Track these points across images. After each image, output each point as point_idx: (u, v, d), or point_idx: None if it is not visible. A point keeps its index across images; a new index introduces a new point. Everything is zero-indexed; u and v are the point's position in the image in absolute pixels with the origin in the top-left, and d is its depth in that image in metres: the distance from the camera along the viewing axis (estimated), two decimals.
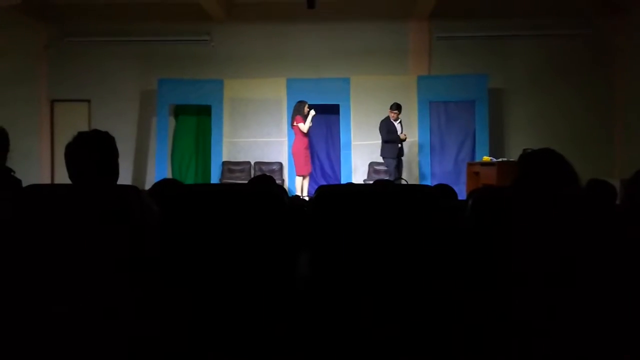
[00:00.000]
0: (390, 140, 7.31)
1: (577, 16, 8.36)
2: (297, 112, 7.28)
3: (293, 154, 7.45)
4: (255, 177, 2.85)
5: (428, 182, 8.08)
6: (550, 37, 8.42)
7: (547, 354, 1.45)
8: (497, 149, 8.25)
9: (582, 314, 1.46)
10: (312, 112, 7.33)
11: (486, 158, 7.01)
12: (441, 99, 8.40)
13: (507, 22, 8.44)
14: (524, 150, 1.90)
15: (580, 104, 8.45)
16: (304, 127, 7.19)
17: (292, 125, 7.36)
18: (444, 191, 3.00)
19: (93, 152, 1.58)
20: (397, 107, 7.38)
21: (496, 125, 8.49)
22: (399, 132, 7.32)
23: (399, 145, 7.36)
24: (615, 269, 1.51)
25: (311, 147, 7.98)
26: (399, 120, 7.40)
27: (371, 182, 7.98)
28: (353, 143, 8.38)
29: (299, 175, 7.39)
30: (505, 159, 6.80)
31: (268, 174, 3.04)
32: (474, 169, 7.23)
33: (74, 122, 8.53)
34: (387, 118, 7.40)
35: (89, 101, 8.89)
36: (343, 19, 8.62)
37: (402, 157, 7.53)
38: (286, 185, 8.17)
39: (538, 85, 8.54)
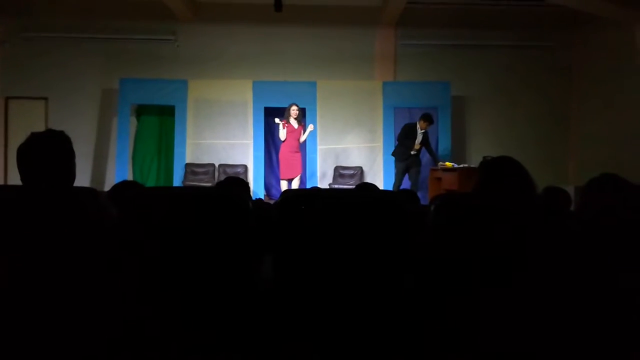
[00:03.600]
0: (403, 145, 7.37)
1: (538, 29, 8.66)
2: (284, 115, 7.18)
3: (279, 157, 7.40)
4: (227, 179, 2.78)
5: (392, 186, 8.17)
6: (512, 47, 8.70)
7: (506, 352, 1.49)
8: (459, 155, 8.43)
9: (538, 315, 1.50)
10: (310, 127, 7.29)
11: (448, 164, 7.15)
12: (405, 105, 8.53)
13: (471, 32, 8.66)
14: (484, 157, 1.95)
15: (539, 113, 8.76)
16: (281, 134, 7.11)
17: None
18: (408, 196, 3.04)
19: (47, 154, 1.52)
20: (427, 119, 7.34)
21: (458, 132, 8.69)
22: (417, 141, 7.34)
23: (412, 152, 7.36)
24: (568, 272, 1.56)
25: (277, 150, 7.94)
26: (423, 131, 7.38)
27: (337, 186, 8.06)
28: (319, 147, 8.39)
29: (283, 179, 7.32)
30: (466, 165, 6.95)
31: (239, 177, 2.98)
32: (436, 175, 7.36)
33: (29, 121, 8.22)
34: (414, 124, 7.41)
35: (46, 99, 8.57)
36: (310, 24, 8.64)
37: (419, 168, 7.46)
38: (251, 188, 8.11)
39: (499, 93, 8.80)
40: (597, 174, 1.93)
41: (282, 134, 7.07)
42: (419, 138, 7.38)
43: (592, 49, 8.37)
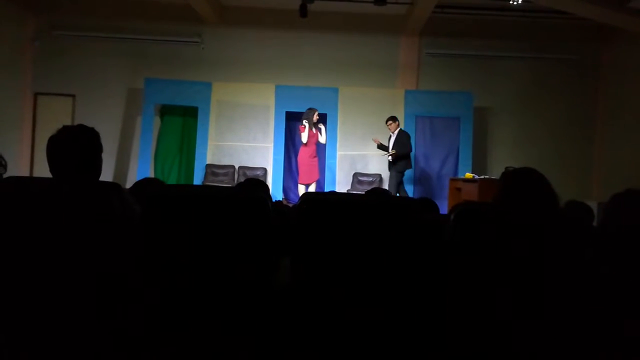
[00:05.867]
0: None
1: (564, 42, 8.56)
2: (305, 118, 7.22)
3: (298, 162, 7.46)
4: (248, 180, 2.81)
5: (411, 195, 8.14)
6: (537, 59, 8.60)
7: None
8: (480, 166, 8.35)
9: (556, 329, 1.48)
10: (323, 128, 7.33)
11: (468, 174, 7.09)
12: (427, 114, 8.49)
13: (495, 43, 8.60)
14: (506, 168, 1.93)
15: (563, 126, 8.63)
16: (304, 137, 7.15)
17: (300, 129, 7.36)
18: (427, 204, 3.03)
19: (77, 147, 1.56)
20: (388, 119, 7.44)
21: (480, 143, 8.61)
22: (390, 146, 7.36)
23: (389, 159, 7.40)
24: (589, 287, 1.54)
25: (296, 154, 7.95)
26: (395, 131, 7.39)
27: (355, 192, 8.05)
28: (338, 153, 8.40)
29: (301, 184, 7.37)
30: (487, 176, 6.89)
31: (260, 179, 3.01)
32: (456, 185, 7.30)
33: (57, 117, 8.41)
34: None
35: (73, 96, 8.77)
36: (335, 30, 8.68)
37: (393, 173, 7.38)
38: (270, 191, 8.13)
39: (522, 105, 8.70)
40: (621, 190, 1.90)
41: (304, 136, 7.10)
42: (391, 142, 7.37)
43: (619, 63, 8.23)
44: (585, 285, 1.53)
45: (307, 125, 7.09)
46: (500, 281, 1.55)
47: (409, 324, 1.62)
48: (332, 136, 8.39)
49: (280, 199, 8.07)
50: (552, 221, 1.61)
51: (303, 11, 7.64)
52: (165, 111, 8.79)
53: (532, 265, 1.53)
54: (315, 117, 7.19)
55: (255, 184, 2.70)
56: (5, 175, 1.95)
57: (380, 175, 8.37)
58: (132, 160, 8.73)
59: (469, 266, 1.56)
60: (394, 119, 7.44)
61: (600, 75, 8.66)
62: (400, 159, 7.27)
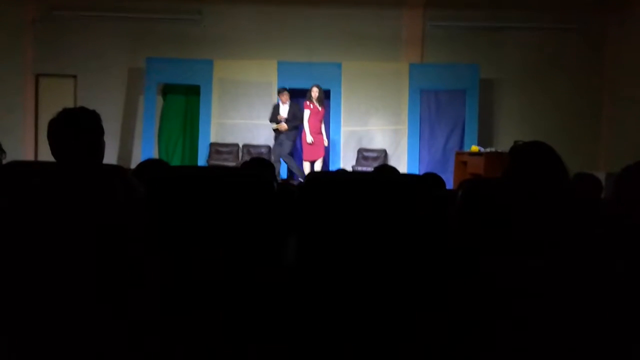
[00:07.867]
0: None
1: (571, 10, 8.37)
2: (308, 97, 7.24)
3: (302, 139, 7.47)
4: (252, 159, 2.79)
5: (416, 170, 8.11)
6: (544, 30, 8.43)
7: (534, 348, 1.47)
8: (486, 139, 8.28)
9: (568, 308, 1.47)
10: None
11: (474, 148, 7.03)
12: (432, 88, 8.39)
13: (501, 13, 8.41)
14: (515, 142, 1.90)
15: (570, 97, 8.50)
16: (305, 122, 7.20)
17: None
18: (433, 180, 3.00)
19: (78, 130, 1.54)
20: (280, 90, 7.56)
21: (486, 116, 8.51)
22: (281, 116, 7.44)
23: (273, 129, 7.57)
24: (600, 262, 1.52)
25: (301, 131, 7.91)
26: (287, 102, 7.45)
27: (360, 168, 8.03)
28: (343, 129, 8.34)
29: (306, 161, 7.39)
30: (493, 149, 6.83)
31: (265, 158, 3.01)
32: (462, 159, 7.26)
33: (59, 98, 8.37)
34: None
35: (75, 77, 8.71)
36: (336, 3, 8.52)
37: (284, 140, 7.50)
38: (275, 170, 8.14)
39: (529, 77, 8.56)
40: (629, 161, 1.86)
41: (305, 121, 7.11)
42: (282, 113, 7.42)
43: (626, 31, 8.05)
44: (595, 259, 1.51)
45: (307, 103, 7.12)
46: (510, 256, 1.53)
47: (418, 302, 1.61)
48: (336, 112, 8.32)
49: (286, 177, 8.06)
50: (563, 195, 1.59)
51: None
52: (168, 90, 8.73)
53: (543, 239, 1.51)
54: (314, 94, 7.17)
55: (260, 163, 2.69)
56: (8, 159, 1.93)
57: (385, 150, 8.33)
58: (135, 141, 8.71)
59: (478, 242, 1.55)
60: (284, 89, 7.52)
61: (607, 45, 8.48)
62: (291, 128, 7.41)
